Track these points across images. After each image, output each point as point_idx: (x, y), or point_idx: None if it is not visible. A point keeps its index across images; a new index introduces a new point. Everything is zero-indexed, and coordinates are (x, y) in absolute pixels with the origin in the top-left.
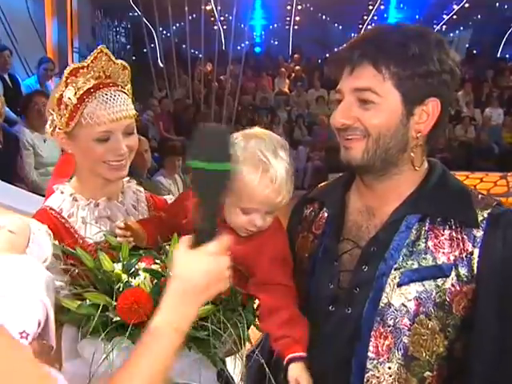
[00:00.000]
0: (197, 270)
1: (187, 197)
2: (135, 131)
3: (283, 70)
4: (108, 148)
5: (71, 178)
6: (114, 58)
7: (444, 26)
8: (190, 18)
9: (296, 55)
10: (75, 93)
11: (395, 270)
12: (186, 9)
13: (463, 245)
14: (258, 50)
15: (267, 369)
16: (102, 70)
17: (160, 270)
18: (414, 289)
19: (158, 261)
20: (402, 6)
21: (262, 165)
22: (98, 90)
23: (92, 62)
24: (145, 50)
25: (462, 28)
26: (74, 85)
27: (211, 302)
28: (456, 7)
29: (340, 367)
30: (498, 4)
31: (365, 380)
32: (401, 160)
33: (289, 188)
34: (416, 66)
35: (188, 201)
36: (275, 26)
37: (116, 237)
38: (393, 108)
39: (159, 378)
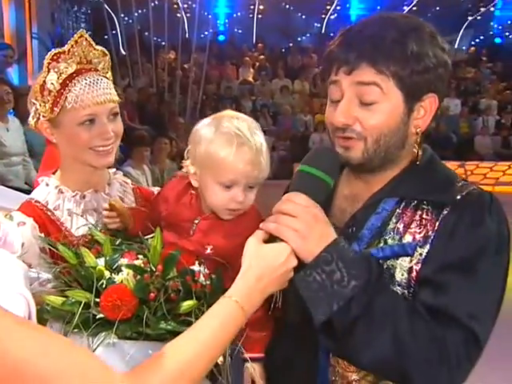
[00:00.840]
0: (276, 261)
1: (167, 189)
2: (119, 117)
3: (247, 59)
4: (94, 133)
5: (56, 171)
6: (94, 44)
7: None
8: (153, 4)
9: (260, 44)
10: (58, 78)
11: (365, 249)
12: None
13: (431, 226)
14: (221, 38)
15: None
16: (82, 54)
17: (143, 265)
18: None
19: (140, 256)
20: None
21: (237, 138)
22: (81, 74)
23: (72, 46)
24: (106, 37)
25: (421, 20)
26: (56, 70)
27: (195, 297)
28: None
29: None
30: None
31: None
32: (398, 156)
33: (266, 161)
34: (415, 63)
35: (168, 193)
36: (239, 14)
37: (100, 230)
38: (394, 107)
39: (213, 349)
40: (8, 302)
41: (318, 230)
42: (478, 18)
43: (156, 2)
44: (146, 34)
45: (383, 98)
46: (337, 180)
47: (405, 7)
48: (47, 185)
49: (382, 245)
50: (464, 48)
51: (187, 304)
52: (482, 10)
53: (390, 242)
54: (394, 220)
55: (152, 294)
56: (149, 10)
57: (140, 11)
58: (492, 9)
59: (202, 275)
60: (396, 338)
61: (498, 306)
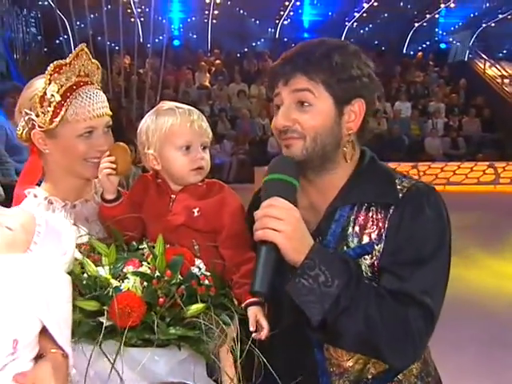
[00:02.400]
0: None
1: (136, 188)
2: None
3: (203, 63)
4: (91, 145)
5: (39, 184)
6: (91, 58)
7: (355, 24)
8: (106, 9)
9: (216, 49)
10: (58, 89)
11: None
12: None
13: (382, 224)
14: (176, 43)
15: (262, 357)
16: (82, 67)
17: (149, 272)
18: None
19: (144, 263)
20: (316, 2)
21: (178, 109)
22: (80, 87)
23: (74, 59)
24: (58, 42)
25: (371, 25)
26: (57, 82)
27: (200, 301)
28: (366, 5)
29: (300, 326)
30: (402, 3)
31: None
32: (336, 155)
33: (205, 120)
34: (340, 72)
35: (139, 192)
36: (193, 19)
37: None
38: (326, 109)
39: None
40: (21, 324)
41: (300, 230)
42: (424, 24)
43: (109, 7)
44: (100, 38)
45: (316, 102)
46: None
47: (355, 13)
48: (35, 196)
49: (345, 248)
50: (412, 53)
51: (195, 308)
52: (428, 16)
53: (351, 245)
54: (351, 224)
55: (161, 300)
56: (102, 15)
57: (93, 15)
58: (437, 16)
59: (206, 279)
60: (367, 319)
61: (445, 286)
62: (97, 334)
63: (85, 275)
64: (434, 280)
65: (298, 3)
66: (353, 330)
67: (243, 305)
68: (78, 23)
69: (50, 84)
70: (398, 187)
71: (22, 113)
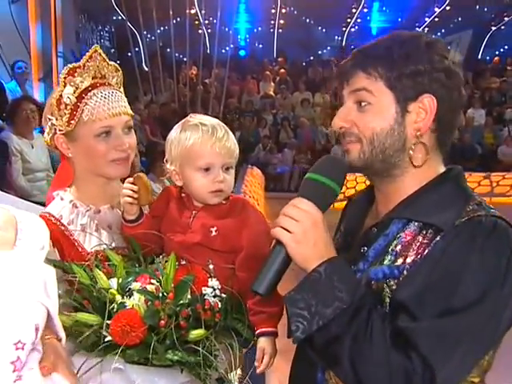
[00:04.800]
0: None
1: (161, 199)
2: (133, 130)
3: (268, 73)
4: (110, 144)
5: (70, 187)
6: (107, 59)
7: (426, 29)
8: (175, 21)
9: (280, 58)
10: (74, 91)
11: (368, 268)
12: (171, 12)
13: (422, 250)
14: (242, 53)
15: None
16: (97, 69)
17: (155, 291)
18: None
19: (153, 281)
20: (384, 8)
21: (202, 126)
22: (96, 88)
23: (87, 61)
24: (129, 54)
25: (443, 30)
26: (72, 84)
27: (204, 326)
28: (438, 10)
29: None
30: (477, 7)
31: None
32: (401, 161)
33: (232, 141)
34: (402, 66)
35: (162, 203)
36: (259, 29)
37: (114, 249)
38: (387, 106)
39: None
40: (18, 313)
41: (313, 237)
42: (502, 27)
43: (178, 19)
44: (168, 50)
45: (375, 100)
46: (372, 200)
47: (426, 18)
48: (62, 199)
49: (377, 265)
50: (488, 58)
51: (196, 333)
52: (506, 19)
53: (385, 262)
54: (394, 242)
55: (162, 322)
56: (170, 27)
57: (162, 28)
58: None
59: (211, 303)
60: (352, 353)
61: (476, 350)
62: (98, 348)
63: (96, 287)
64: (456, 339)
65: (365, 10)
66: (343, 362)
67: (256, 333)
68: (148, 36)
69: (65, 87)
70: (463, 214)
71: (46, 119)
